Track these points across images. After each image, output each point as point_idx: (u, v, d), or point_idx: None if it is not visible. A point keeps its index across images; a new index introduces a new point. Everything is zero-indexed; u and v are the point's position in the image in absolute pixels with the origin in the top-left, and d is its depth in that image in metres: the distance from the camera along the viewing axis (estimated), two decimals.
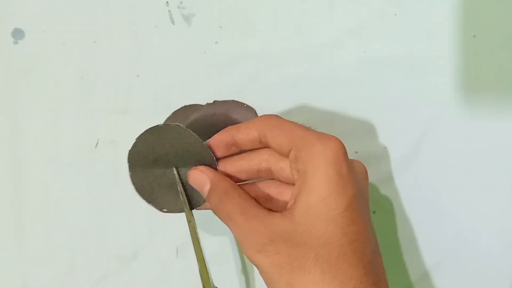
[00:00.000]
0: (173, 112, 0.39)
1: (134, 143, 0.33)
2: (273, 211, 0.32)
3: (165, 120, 0.39)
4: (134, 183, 0.34)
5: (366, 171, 0.32)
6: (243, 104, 0.39)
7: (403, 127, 0.39)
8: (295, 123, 0.31)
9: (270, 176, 0.33)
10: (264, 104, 0.39)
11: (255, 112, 0.39)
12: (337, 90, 0.39)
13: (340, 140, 0.30)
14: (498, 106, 0.38)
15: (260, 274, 0.29)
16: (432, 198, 0.39)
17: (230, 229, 0.31)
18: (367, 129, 0.39)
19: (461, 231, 0.39)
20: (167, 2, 0.39)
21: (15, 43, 0.39)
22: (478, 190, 0.38)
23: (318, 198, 0.28)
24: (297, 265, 0.27)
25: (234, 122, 0.35)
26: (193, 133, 0.32)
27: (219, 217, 0.32)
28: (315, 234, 0.28)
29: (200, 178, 0.33)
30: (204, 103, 0.39)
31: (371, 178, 0.39)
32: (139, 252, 0.39)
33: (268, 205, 0.32)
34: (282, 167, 0.31)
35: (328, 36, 0.39)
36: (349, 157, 0.30)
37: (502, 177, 0.38)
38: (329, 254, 0.27)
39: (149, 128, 0.33)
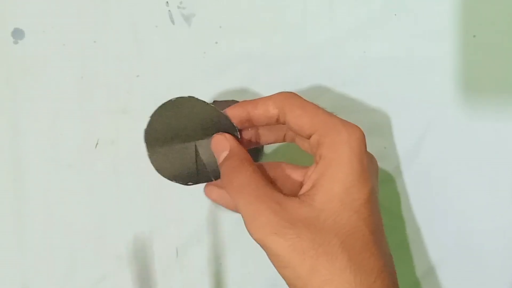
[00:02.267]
0: None
1: (149, 122, 0.32)
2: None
3: None
4: (153, 163, 0.33)
5: (377, 165, 0.33)
6: None
7: (403, 127, 0.39)
8: (316, 105, 0.31)
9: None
10: None
11: None
12: (337, 90, 0.39)
13: (362, 130, 0.30)
14: (498, 106, 0.38)
15: (270, 257, 0.28)
16: (432, 198, 0.39)
17: (238, 205, 0.29)
18: (367, 129, 0.39)
19: (461, 230, 0.39)
20: (167, 2, 0.39)
21: (15, 43, 0.39)
22: (478, 190, 0.38)
23: (342, 187, 0.28)
24: (323, 250, 0.27)
25: None
26: (209, 103, 0.32)
27: (228, 191, 0.30)
28: (339, 223, 0.28)
29: (221, 143, 0.32)
30: None
31: None
32: (139, 252, 0.39)
33: (273, 187, 0.32)
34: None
35: (328, 36, 0.39)
36: None
37: (502, 176, 0.38)
38: (354, 243, 0.27)
39: (162, 104, 0.32)
